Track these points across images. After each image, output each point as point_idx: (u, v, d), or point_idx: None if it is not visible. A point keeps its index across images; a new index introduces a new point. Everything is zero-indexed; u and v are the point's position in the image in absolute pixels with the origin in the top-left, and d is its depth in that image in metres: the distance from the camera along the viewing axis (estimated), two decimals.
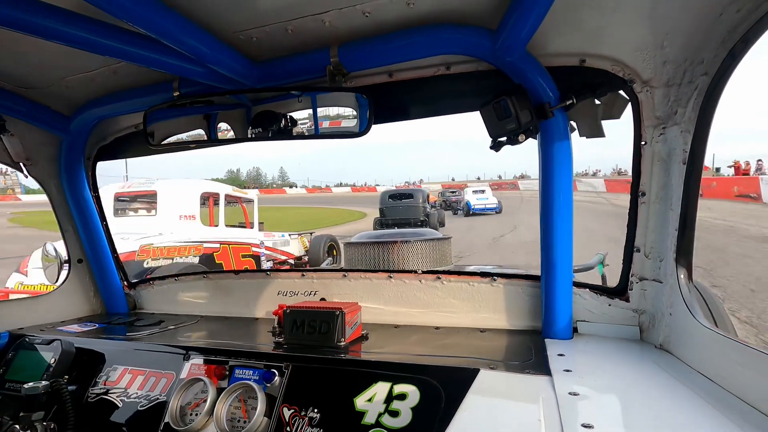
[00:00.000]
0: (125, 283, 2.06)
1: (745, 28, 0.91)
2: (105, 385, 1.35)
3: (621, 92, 1.22)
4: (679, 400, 0.93)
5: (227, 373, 1.23)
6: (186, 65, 1.25)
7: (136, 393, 1.29)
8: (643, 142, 1.20)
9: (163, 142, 1.57)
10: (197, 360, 1.30)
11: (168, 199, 6.76)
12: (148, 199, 7.07)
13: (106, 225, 1.95)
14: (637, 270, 1.28)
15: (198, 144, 1.60)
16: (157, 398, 1.26)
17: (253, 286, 1.85)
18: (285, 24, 1.18)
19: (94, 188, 1.91)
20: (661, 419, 0.87)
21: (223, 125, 1.55)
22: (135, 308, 2.07)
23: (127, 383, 1.33)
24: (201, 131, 1.57)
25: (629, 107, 1.22)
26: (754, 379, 0.86)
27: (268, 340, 1.38)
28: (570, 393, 0.94)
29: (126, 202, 7.41)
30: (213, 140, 1.56)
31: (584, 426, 0.81)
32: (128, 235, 5.74)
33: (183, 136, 1.61)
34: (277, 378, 1.17)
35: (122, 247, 4.84)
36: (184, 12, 1.09)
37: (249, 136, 1.46)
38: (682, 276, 1.14)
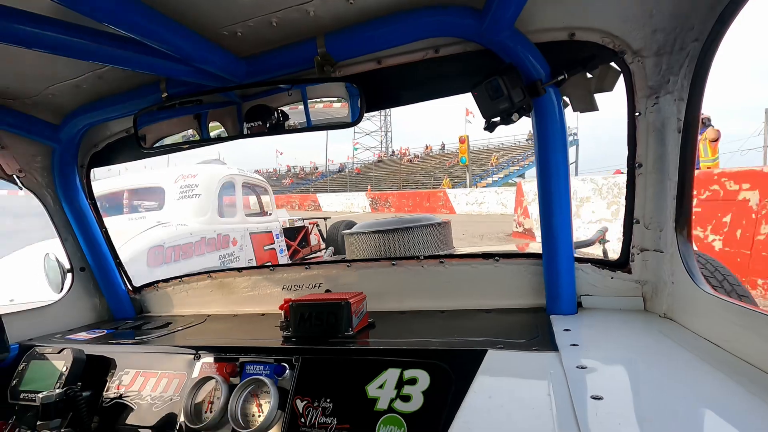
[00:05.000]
0: (129, 288, 2.07)
1: None
2: (118, 389, 1.37)
3: (612, 64, 1.21)
4: (684, 366, 0.94)
5: (238, 369, 1.24)
6: (172, 65, 1.24)
7: (150, 395, 1.31)
8: (637, 113, 1.19)
9: (155, 145, 1.56)
10: (208, 359, 1.31)
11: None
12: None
13: (106, 231, 1.95)
14: (637, 241, 1.28)
15: (191, 144, 1.59)
16: (171, 398, 1.27)
17: (257, 283, 1.86)
18: (269, 17, 1.16)
19: (90, 195, 1.90)
20: (668, 386, 0.88)
21: (214, 124, 1.53)
22: (141, 312, 2.09)
23: (140, 386, 1.34)
24: (193, 131, 1.56)
25: (621, 79, 1.21)
26: (758, 341, 0.88)
27: (276, 334, 1.39)
28: (578, 367, 0.96)
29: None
30: (205, 139, 1.54)
31: (594, 398, 0.83)
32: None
33: (175, 137, 1.60)
34: (288, 371, 1.18)
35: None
36: (166, 11, 1.07)
37: (241, 133, 1.45)
38: (682, 244, 1.15)
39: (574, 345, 1.07)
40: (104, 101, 1.56)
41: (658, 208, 1.22)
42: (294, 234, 8.24)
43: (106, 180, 6.44)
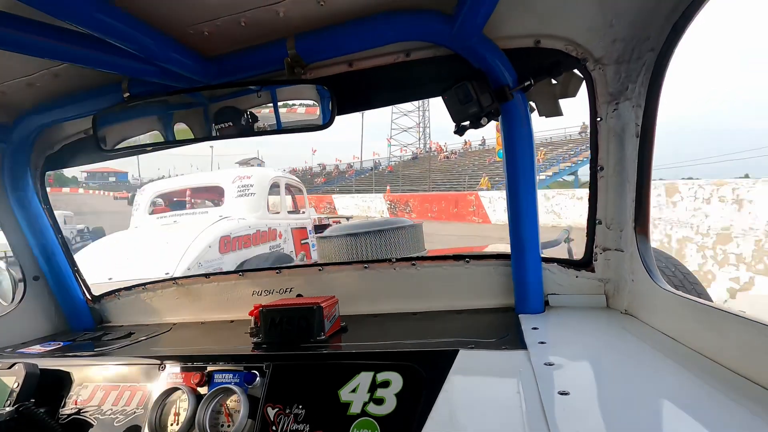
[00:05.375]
0: (88, 297, 1.96)
1: (685, 4, 0.95)
2: (76, 404, 1.29)
3: (575, 71, 1.26)
4: (645, 360, 0.99)
5: (206, 379, 1.20)
6: (134, 64, 1.19)
7: (111, 409, 1.25)
8: (598, 118, 1.25)
9: (116, 147, 1.50)
10: (173, 369, 1.26)
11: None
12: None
13: (62, 238, 1.85)
14: (600, 241, 1.33)
15: (155, 146, 1.53)
16: (134, 412, 1.22)
17: (226, 288, 1.81)
18: (237, 16, 1.14)
19: (45, 200, 1.80)
20: (630, 379, 0.92)
21: (180, 125, 1.49)
22: (101, 322, 1.98)
23: (99, 400, 1.28)
24: (157, 132, 1.51)
25: (584, 85, 1.26)
26: (711, 334, 0.93)
27: (246, 341, 1.35)
28: (546, 364, 0.98)
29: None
30: (170, 141, 1.49)
31: (561, 393, 0.85)
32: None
33: (138, 139, 1.54)
34: (258, 378, 1.16)
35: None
36: (129, 8, 1.03)
37: (208, 134, 1.42)
38: (641, 243, 1.21)
39: (542, 343, 1.10)
40: (61, 101, 1.48)
41: (619, 209, 1.27)
42: (322, 231, 8.74)
43: (169, 179, 7.59)
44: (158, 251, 5.21)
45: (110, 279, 4.41)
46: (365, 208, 28.41)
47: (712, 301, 1.11)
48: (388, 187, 35.84)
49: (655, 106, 1.13)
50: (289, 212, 7.68)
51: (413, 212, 24.22)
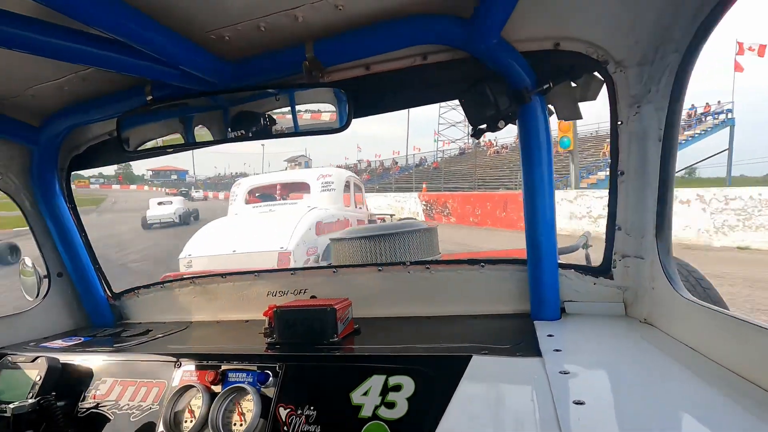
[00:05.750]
0: (109, 294, 2.02)
1: (712, 3, 0.92)
2: (95, 399, 1.33)
3: (596, 74, 1.23)
4: (663, 371, 0.96)
5: (220, 377, 1.22)
6: (157, 68, 1.22)
7: (128, 404, 1.27)
8: (619, 122, 1.22)
9: (139, 148, 1.54)
10: (189, 367, 1.28)
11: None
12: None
13: (86, 236, 1.90)
14: (619, 248, 1.30)
15: (176, 148, 1.57)
16: (150, 408, 1.24)
17: (242, 289, 1.84)
18: (257, 21, 1.16)
19: (70, 199, 1.86)
20: (648, 391, 0.89)
21: (200, 127, 1.52)
22: (121, 319, 2.03)
23: (117, 395, 1.31)
24: (178, 135, 1.54)
25: (605, 88, 1.24)
26: (732, 345, 0.89)
27: (260, 341, 1.37)
28: (561, 372, 0.96)
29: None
30: (191, 143, 1.53)
31: (576, 403, 0.83)
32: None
33: (160, 141, 1.58)
34: (271, 379, 1.16)
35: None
36: (152, 13, 1.06)
37: (227, 137, 1.44)
38: (662, 251, 1.17)
39: (557, 350, 1.08)
40: (87, 103, 1.53)
41: (640, 215, 1.24)
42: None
43: (258, 176, 9.62)
44: (270, 231, 6.62)
45: (234, 251, 5.81)
46: (398, 209, 24.30)
47: (726, 306, 1.07)
48: (424, 186, 30.02)
49: (678, 110, 1.10)
50: (354, 207, 9.04)
51: (452, 215, 20.24)
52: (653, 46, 1.11)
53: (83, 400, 1.34)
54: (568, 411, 0.81)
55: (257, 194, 9.29)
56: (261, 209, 8.34)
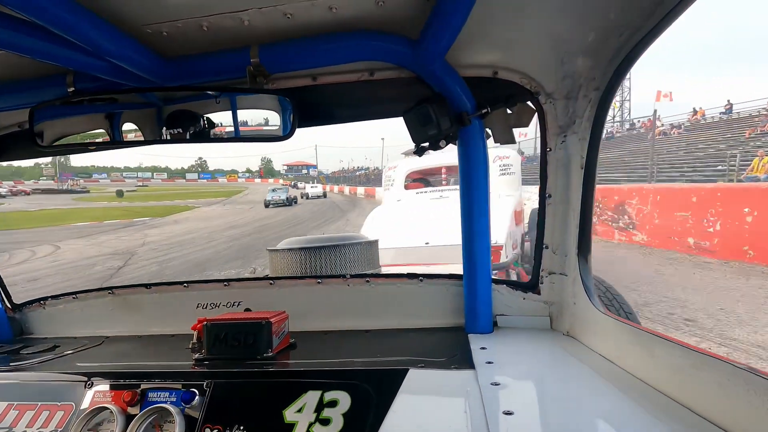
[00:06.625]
0: (8, 305, 1.78)
1: (627, 49, 1.04)
2: None
3: (529, 103, 1.33)
4: (584, 381, 1.03)
5: (139, 397, 1.11)
6: (83, 58, 1.12)
7: (25, 431, 1.12)
8: (548, 149, 1.32)
9: (54, 143, 1.39)
10: (102, 387, 1.16)
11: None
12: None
13: None
14: (546, 265, 1.40)
15: (98, 146, 1.44)
16: None
17: (168, 301, 1.71)
18: (199, 20, 1.11)
19: None
20: (570, 400, 0.96)
21: (129, 125, 1.41)
22: (22, 334, 1.80)
23: (12, 421, 1.14)
24: (102, 131, 1.42)
25: (536, 117, 1.34)
26: (642, 356, 0.99)
27: (186, 357, 1.28)
28: (492, 383, 1.00)
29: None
30: (117, 142, 1.41)
31: (505, 413, 0.87)
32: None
33: (80, 137, 1.44)
34: (197, 397, 1.09)
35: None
36: None
37: (160, 137, 1.35)
38: (583, 268, 1.28)
39: (489, 362, 1.13)
40: None
41: (563, 235, 1.34)
42: None
43: (415, 159, 7.75)
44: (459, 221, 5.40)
45: (427, 243, 4.84)
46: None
47: (638, 320, 1.19)
48: None
49: (598, 140, 1.22)
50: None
51: (640, 229, 10.67)
52: (578, 82, 1.23)
53: None
54: (498, 421, 0.84)
55: (414, 179, 8.12)
56: (430, 195, 7.16)
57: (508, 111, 1.36)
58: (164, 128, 1.35)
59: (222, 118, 1.39)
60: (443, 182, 7.78)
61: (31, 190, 78.68)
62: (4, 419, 1.15)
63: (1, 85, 1.34)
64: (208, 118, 1.36)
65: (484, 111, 1.30)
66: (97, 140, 1.42)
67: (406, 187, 7.73)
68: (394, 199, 7.51)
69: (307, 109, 1.37)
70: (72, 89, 1.27)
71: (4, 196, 63.14)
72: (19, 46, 1.04)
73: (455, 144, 1.35)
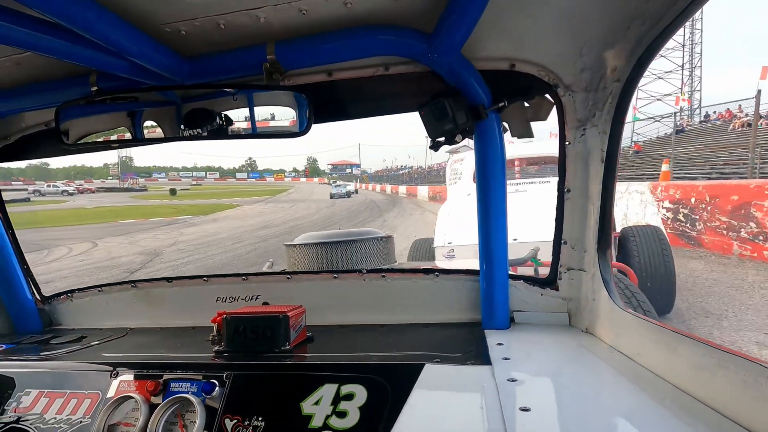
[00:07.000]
0: (38, 297, 1.85)
1: (649, 39, 1.01)
2: (16, 412, 1.21)
3: (547, 96, 1.31)
4: (602, 378, 1.02)
5: (162, 387, 1.15)
6: (105, 58, 1.15)
7: (54, 418, 1.17)
8: (567, 143, 1.30)
9: (79, 141, 1.43)
10: (126, 376, 1.20)
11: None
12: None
13: (13, 233, 1.74)
14: (564, 261, 1.38)
15: (121, 143, 1.48)
16: (80, 421, 1.14)
17: (189, 294, 1.75)
18: (216, 18, 1.12)
19: None
20: (588, 397, 0.95)
21: (149, 123, 1.44)
22: (51, 325, 1.87)
23: (42, 408, 1.20)
24: (125, 129, 1.46)
25: (554, 110, 1.31)
26: (663, 354, 0.97)
27: (206, 349, 1.31)
28: (508, 380, 1.00)
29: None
30: (139, 139, 1.45)
31: (522, 409, 0.86)
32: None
33: (103, 135, 1.48)
34: (217, 388, 1.11)
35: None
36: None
37: (179, 135, 1.38)
38: (602, 264, 1.25)
39: (506, 358, 1.12)
40: (21, 90, 1.40)
41: (583, 230, 1.32)
42: None
43: (523, 145, 7.73)
44: (542, 216, 5.10)
45: (515, 240, 4.40)
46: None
47: (657, 316, 1.17)
48: (664, 168, 14.84)
49: (619, 134, 1.19)
50: None
51: None
52: (598, 74, 1.20)
53: (2, 414, 1.21)
54: (514, 418, 0.84)
55: (518, 170, 7.79)
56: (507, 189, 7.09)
57: (526, 104, 1.33)
58: (183, 125, 1.38)
59: (239, 115, 1.41)
60: (516, 175, 7.41)
61: (96, 189, 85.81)
62: (35, 406, 1.20)
63: (29, 86, 1.39)
64: (225, 115, 1.38)
65: (501, 104, 1.28)
66: (120, 139, 1.46)
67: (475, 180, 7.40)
68: (463, 193, 7.04)
69: (323, 104, 1.38)
70: (95, 88, 1.30)
71: (72, 194, 69.66)
72: (44, 46, 1.07)
73: (471, 138, 1.33)
